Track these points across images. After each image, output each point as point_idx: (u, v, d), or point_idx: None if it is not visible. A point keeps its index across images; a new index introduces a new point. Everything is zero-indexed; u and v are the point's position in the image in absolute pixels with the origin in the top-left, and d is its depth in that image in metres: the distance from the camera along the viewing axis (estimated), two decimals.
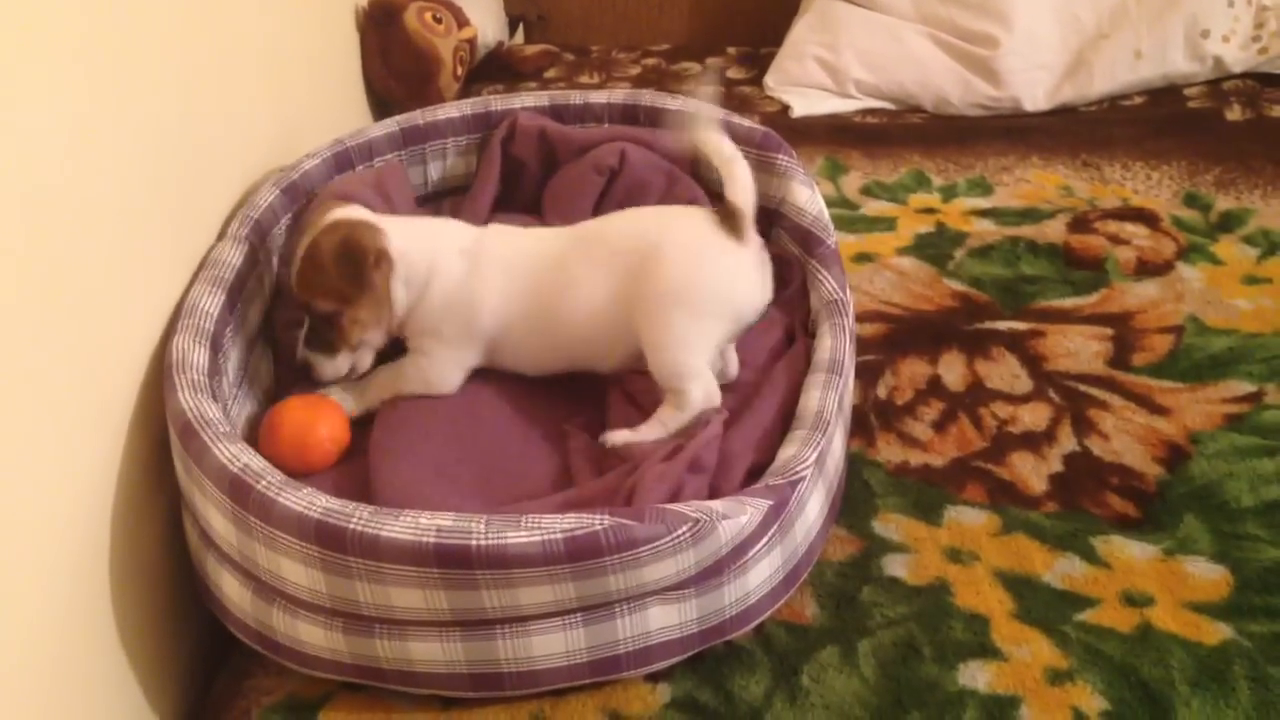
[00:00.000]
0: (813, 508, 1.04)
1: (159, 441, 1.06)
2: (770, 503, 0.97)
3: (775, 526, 0.99)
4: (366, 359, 1.20)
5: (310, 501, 0.91)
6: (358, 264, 1.12)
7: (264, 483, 0.93)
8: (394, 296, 1.17)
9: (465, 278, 1.19)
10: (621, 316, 1.17)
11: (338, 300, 1.14)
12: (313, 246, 1.14)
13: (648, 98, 1.49)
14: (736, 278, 1.17)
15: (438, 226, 1.25)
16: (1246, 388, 1.30)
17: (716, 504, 0.95)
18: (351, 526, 0.89)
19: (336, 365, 1.17)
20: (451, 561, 0.88)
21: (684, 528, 0.91)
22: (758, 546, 0.97)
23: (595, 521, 0.90)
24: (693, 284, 1.15)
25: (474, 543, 0.88)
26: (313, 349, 1.17)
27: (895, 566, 1.10)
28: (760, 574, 0.99)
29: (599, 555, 0.90)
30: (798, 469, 1.02)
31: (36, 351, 0.88)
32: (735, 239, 1.17)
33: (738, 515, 0.94)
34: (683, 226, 1.19)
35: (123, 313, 1.03)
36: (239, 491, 0.93)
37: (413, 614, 0.92)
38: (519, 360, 1.22)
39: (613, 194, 1.44)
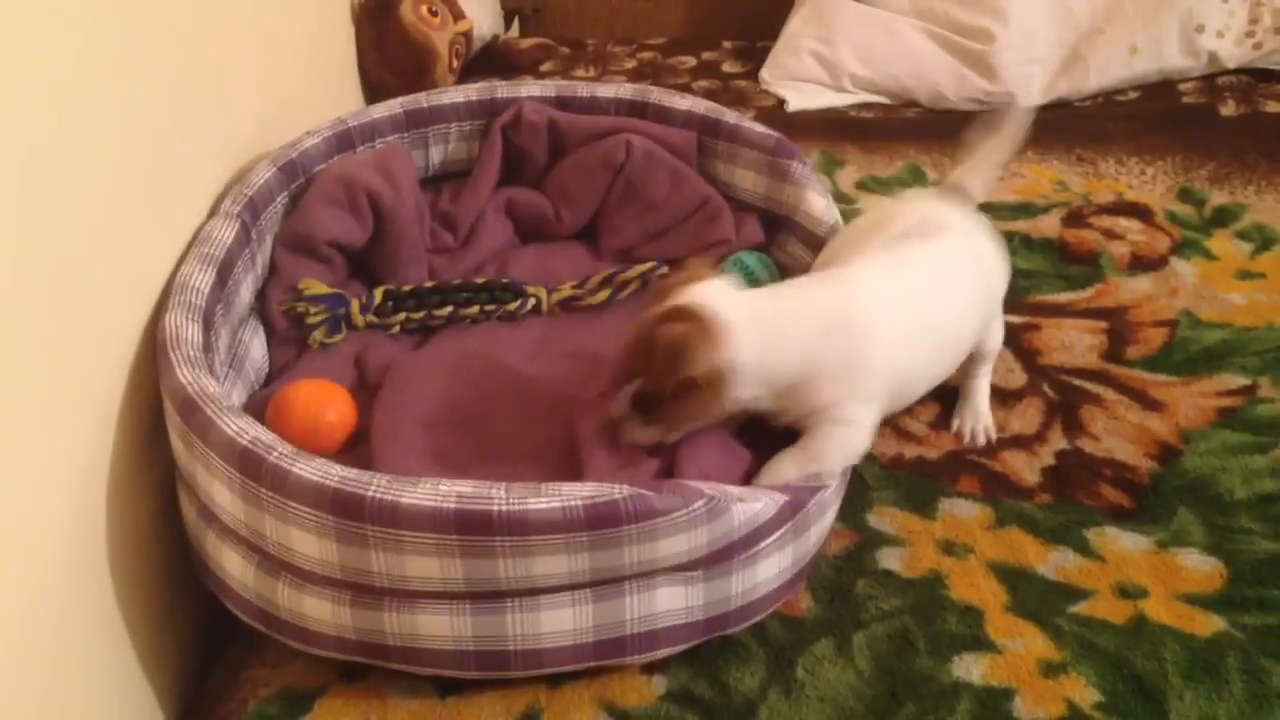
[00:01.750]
0: (830, 514, 1.06)
1: (149, 421, 1.06)
2: (787, 499, 0.98)
3: (790, 525, 0.99)
4: (680, 435, 1.10)
5: (326, 471, 0.91)
6: (686, 375, 1.02)
7: (276, 454, 0.93)
8: (734, 397, 1.06)
9: (849, 349, 1.08)
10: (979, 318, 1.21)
11: (663, 391, 1.05)
12: (647, 331, 1.04)
13: (655, 94, 1.50)
14: None
15: (792, 315, 1.09)
16: (1240, 381, 1.31)
17: (734, 488, 0.96)
18: (370, 494, 0.89)
19: (647, 433, 1.09)
20: (472, 527, 0.88)
21: (700, 502, 0.92)
22: (770, 540, 0.98)
23: (615, 491, 0.91)
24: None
25: (495, 508, 0.88)
26: (634, 409, 1.08)
27: (890, 559, 1.10)
28: (769, 569, 0.99)
29: (618, 524, 0.90)
30: (824, 479, 1.03)
31: (25, 329, 0.87)
32: None
33: (752, 501, 0.95)
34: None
35: (112, 289, 1.03)
36: (250, 463, 0.92)
37: (426, 584, 0.92)
38: (910, 393, 1.20)
39: (615, 187, 1.44)
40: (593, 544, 0.91)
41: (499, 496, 0.89)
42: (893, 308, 1.11)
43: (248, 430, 0.95)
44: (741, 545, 0.96)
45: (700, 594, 0.97)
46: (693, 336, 1.02)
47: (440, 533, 0.89)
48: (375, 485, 0.90)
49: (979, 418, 1.25)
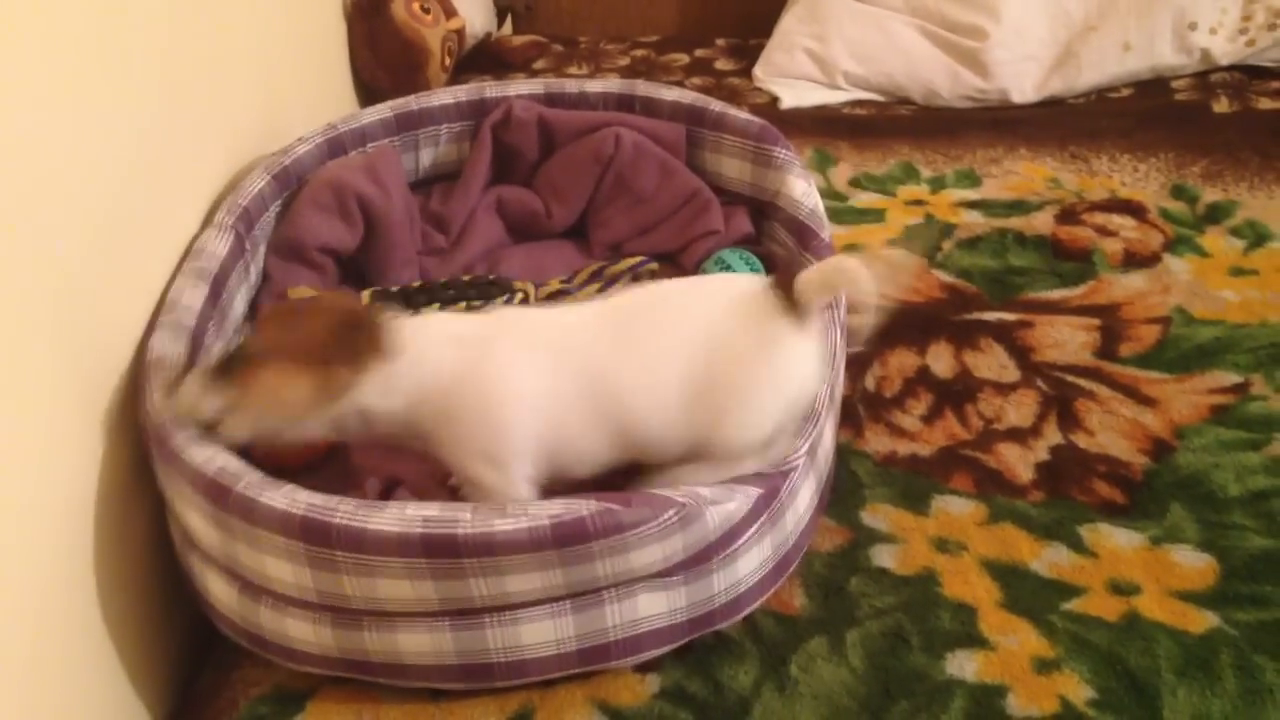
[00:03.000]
0: (804, 498, 1.04)
1: (141, 440, 1.06)
2: (760, 491, 0.97)
3: (765, 515, 0.98)
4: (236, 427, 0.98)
5: (292, 498, 0.91)
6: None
7: (243, 482, 0.92)
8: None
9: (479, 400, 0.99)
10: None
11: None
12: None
13: (642, 87, 1.50)
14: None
15: (439, 328, 1.02)
16: (1233, 378, 1.31)
17: (705, 490, 0.94)
18: (336, 521, 0.89)
19: (210, 403, 0.97)
20: (439, 551, 0.88)
21: (670, 512, 0.91)
22: (748, 534, 0.97)
23: (581, 507, 0.90)
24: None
25: (460, 531, 0.88)
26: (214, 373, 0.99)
27: (883, 557, 1.10)
28: (750, 563, 0.98)
29: (586, 540, 0.89)
30: (790, 459, 1.01)
31: (17, 343, 0.87)
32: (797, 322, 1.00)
33: (726, 501, 0.94)
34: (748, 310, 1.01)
35: (105, 303, 1.03)
36: (217, 493, 0.92)
37: (401, 605, 0.91)
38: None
39: (604, 181, 1.44)
40: (563, 560, 0.90)
41: (464, 519, 0.89)
42: (545, 358, 0.98)
43: (214, 459, 0.94)
44: (719, 545, 0.96)
45: (682, 596, 0.96)
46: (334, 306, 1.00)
47: (408, 556, 0.89)
48: (341, 512, 0.89)
49: None
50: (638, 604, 0.95)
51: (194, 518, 0.96)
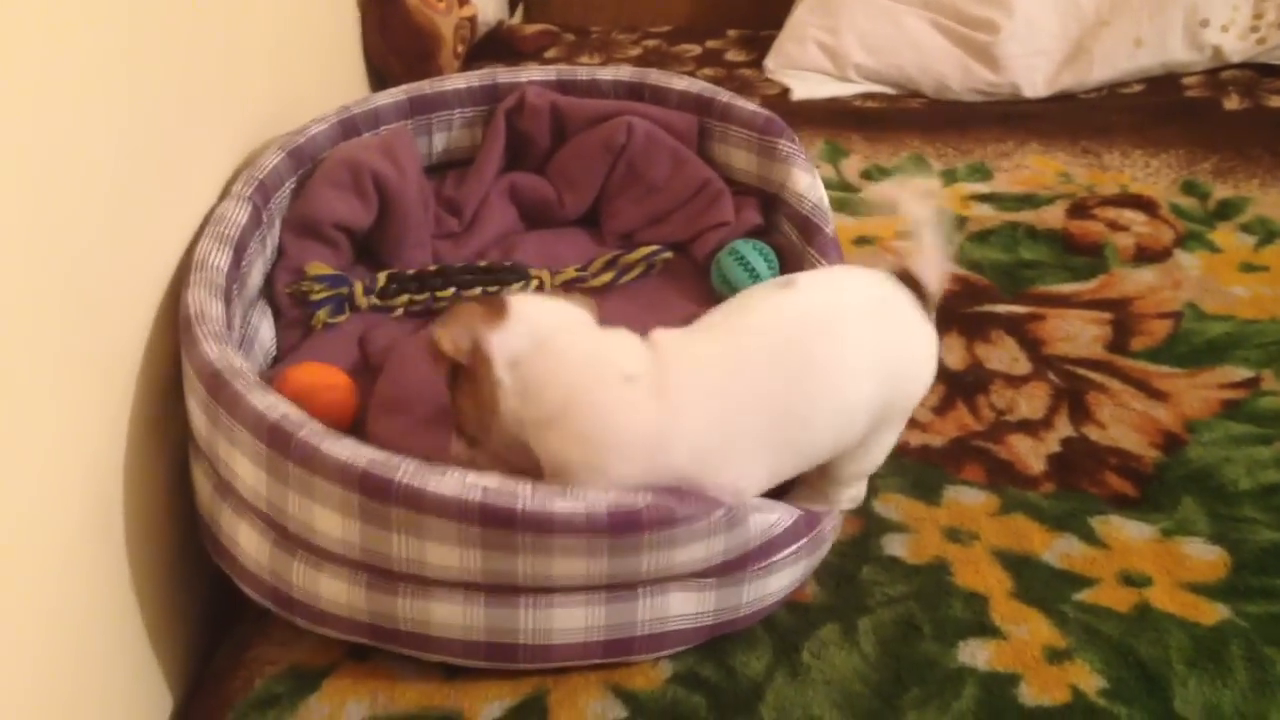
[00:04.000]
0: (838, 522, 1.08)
1: (162, 400, 1.06)
2: (801, 514, 0.99)
3: (806, 540, 1.00)
4: (490, 456, 0.99)
5: (355, 451, 0.91)
6: (454, 350, 0.95)
7: (306, 430, 0.92)
8: (505, 403, 0.95)
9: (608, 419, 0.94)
10: None
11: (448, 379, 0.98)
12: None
13: (654, 77, 1.50)
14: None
15: (577, 342, 0.97)
16: (1243, 373, 1.31)
17: (752, 500, 0.96)
18: (398, 478, 0.89)
19: (460, 447, 1.00)
20: (496, 521, 0.88)
21: (719, 512, 0.92)
22: (785, 553, 0.99)
23: (638, 499, 0.91)
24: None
25: (520, 506, 0.89)
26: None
27: (895, 546, 1.10)
28: (781, 581, 1.00)
29: (638, 530, 0.90)
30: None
31: (37, 304, 0.87)
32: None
33: (769, 512, 0.96)
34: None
35: (125, 268, 1.03)
36: (279, 439, 0.92)
37: (444, 572, 0.92)
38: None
39: (616, 170, 1.44)
40: (612, 549, 0.91)
41: (524, 494, 0.89)
42: (692, 379, 0.94)
43: (277, 406, 0.95)
44: (757, 555, 0.97)
45: (712, 600, 0.98)
46: (468, 309, 0.95)
47: (464, 522, 0.89)
48: (404, 470, 0.90)
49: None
50: (669, 602, 0.96)
51: (244, 465, 0.96)
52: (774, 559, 0.98)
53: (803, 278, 1.01)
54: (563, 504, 0.89)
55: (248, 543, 0.99)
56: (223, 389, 0.97)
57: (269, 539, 0.98)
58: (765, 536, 0.96)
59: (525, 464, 0.96)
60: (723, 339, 0.96)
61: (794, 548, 0.99)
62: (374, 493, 0.89)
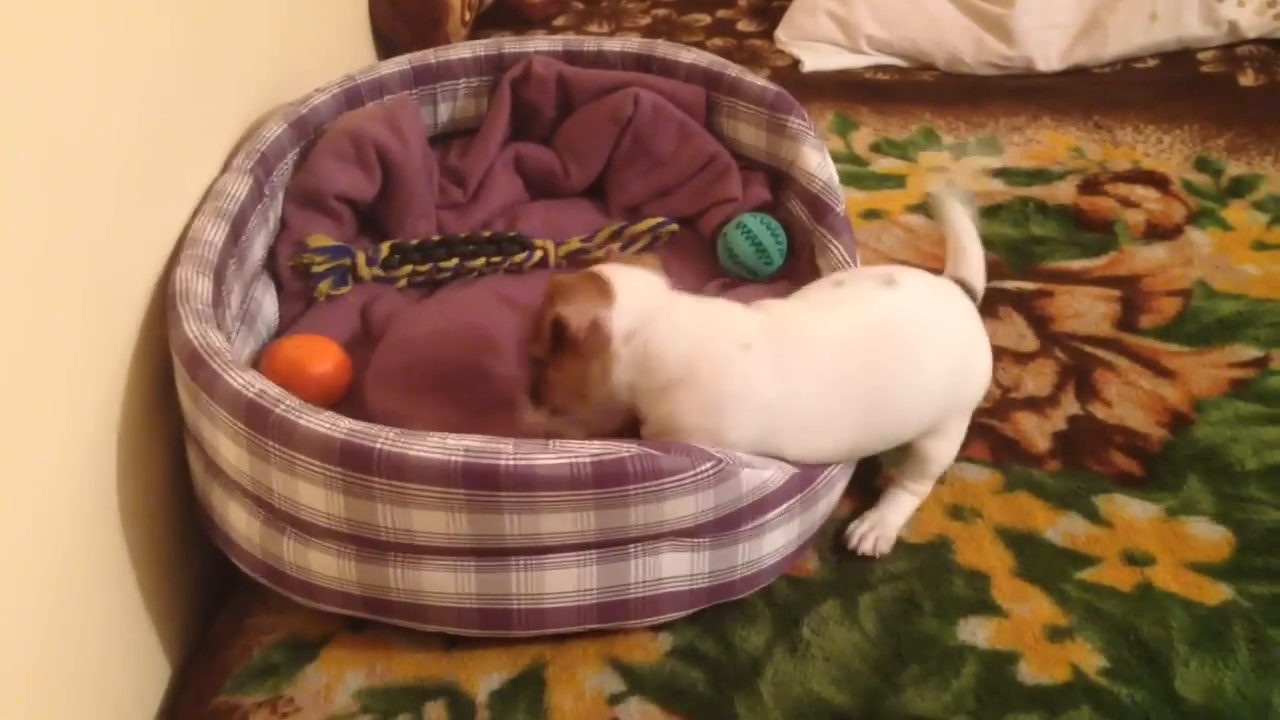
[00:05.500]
0: (839, 486, 1.06)
1: (161, 374, 1.05)
2: (797, 470, 0.98)
3: (799, 497, 0.99)
4: (576, 427, 1.02)
5: (333, 423, 0.91)
6: (563, 324, 0.97)
7: (283, 406, 0.92)
8: (614, 376, 0.99)
9: (724, 380, 0.99)
10: None
11: (545, 350, 1.00)
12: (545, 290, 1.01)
13: (661, 48, 1.48)
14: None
15: (689, 311, 1.02)
16: (1252, 353, 1.30)
17: (743, 455, 0.95)
18: (378, 446, 0.89)
19: (539, 418, 1.03)
20: (479, 482, 0.88)
21: (708, 464, 0.92)
22: (778, 511, 0.98)
23: (622, 449, 0.90)
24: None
25: (502, 463, 0.88)
26: (530, 389, 1.03)
27: None
28: (775, 540, 0.99)
29: (624, 483, 0.90)
30: None
31: (38, 280, 0.87)
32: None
33: (762, 468, 0.95)
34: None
35: (125, 243, 1.02)
36: (256, 416, 0.92)
37: (432, 539, 0.91)
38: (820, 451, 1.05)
39: (622, 142, 1.43)
40: (598, 502, 0.90)
41: (506, 451, 0.89)
42: (805, 353, 0.99)
43: (254, 383, 0.94)
44: (749, 513, 0.96)
45: (706, 561, 0.97)
46: (578, 286, 0.99)
47: (447, 486, 0.89)
48: (383, 438, 0.89)
49: (880, 527, 1.08)
50: (661, 562, 0.96)
51: (225, 443, 0.95)
52: (767, 517, 0.97)
53: (903, 277, 1.06)
54: (546, 459, 0.89)
55: (238, 520, 0.99)
56: (200, 368, 0.96)
57: (258, 516, 0.98)
58: (757, 494, 0.95)
59: (616, 427, 1.02)
60: (831, 320, 1.02)
61: (786, 505, 0.98)
62: (354, 463, 0.89)
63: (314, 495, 0.91)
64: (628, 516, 0.91)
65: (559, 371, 0.99)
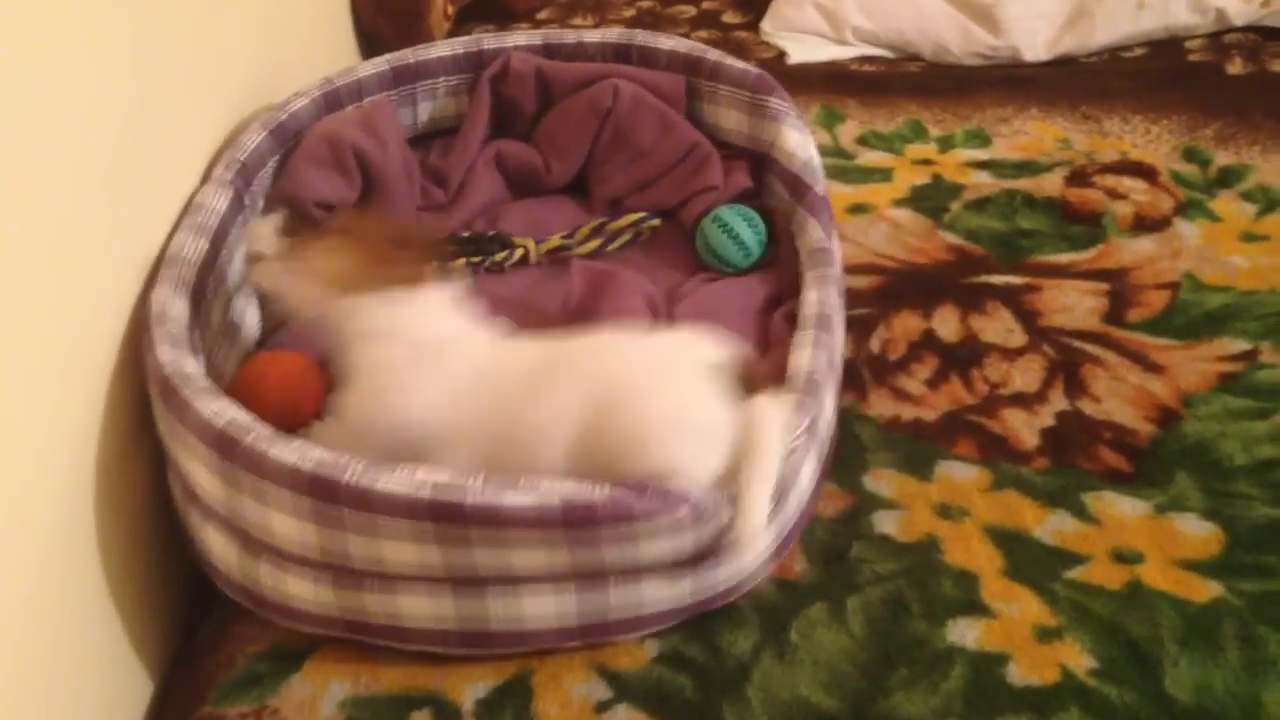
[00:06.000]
0: (805, 475, 1.03)
1: (142, 391, 1.04)
2: None
3: (774, 504, 0.97)
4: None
5: (302, 454, 0.90)
6: None
7: (253, 435, 0.91)
8: None
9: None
10: None
11: None
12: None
13: (640, 37, 1.47)
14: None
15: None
16: (1241, 346, 1.29)
17: (719, 494, 0.93)
18: (345, 479, 0.88)
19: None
20: (445, 517, 0.87)
21: (684, 509, 0.90)
22: None
23: (593, 491, 0.89)
24: None
25: (469, 501, 0.87)
26: None
27: (885, 523, 1.09)
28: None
29: (594, 525, 0.89)
30: (790, 440, 1.00)
31: (13, 298, 0.85)
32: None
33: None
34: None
35: (104, 261, 1.01)
36: (227, 445, 0.91)
37: (404, 568, 0.91)
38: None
39: (602, 135, 1.42)
40: (570, 542, 0.90)
41: (474, 488, 0.88)
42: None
43: (225, 412, 0.93)
44: (728, 542, 0.94)
45: (688, 585, 0.96)
46: None
47: (415, 519, 0.88)
48: (351, 470, 0.89)
49: None
50: (642, 590, 0.95)
51: (199, 471, 0.95)
52: None
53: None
54: (512, 497, 0.88)
55: (215, 545, 0.99)
56: (172, 395, 0.95)
57: (234, 542, 0.97)
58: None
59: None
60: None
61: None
62: (323, 495, 0.88)
63: (286, 524, 0.91)
64: (601, 555, 0.91)
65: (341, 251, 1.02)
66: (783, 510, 1.00)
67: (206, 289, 1.10)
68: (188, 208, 1.15)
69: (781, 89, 1.36)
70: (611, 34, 1.48)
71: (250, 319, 1.22)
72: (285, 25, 1.52)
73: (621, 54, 1.47)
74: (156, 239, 1.11)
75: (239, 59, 1.34)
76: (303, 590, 0.94)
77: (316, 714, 0.94)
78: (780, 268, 1.28)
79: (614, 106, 1.40)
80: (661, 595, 0.96)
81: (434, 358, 1.00)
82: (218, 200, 1.15)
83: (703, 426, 0.95)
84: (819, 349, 1.08)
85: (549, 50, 1.47)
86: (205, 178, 1.20)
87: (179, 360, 0.97)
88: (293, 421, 1.09)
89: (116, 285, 1.04)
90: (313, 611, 0.95)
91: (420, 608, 0.93)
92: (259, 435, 0.91)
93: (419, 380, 1.00)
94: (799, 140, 1.31)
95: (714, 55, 1.42)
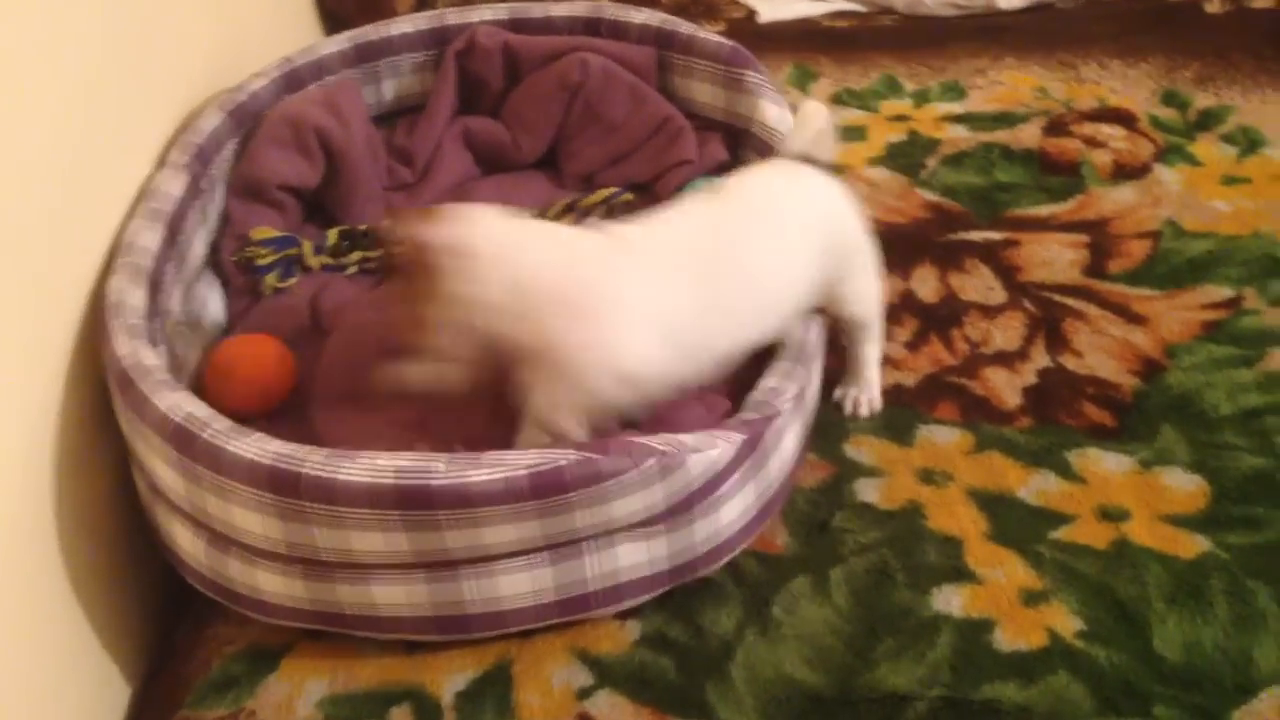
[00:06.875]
0: (789, 442, 1.01)
1: (104, 383, 1.02)
2: (744, 437, 0.94)
3: (749, 461, 0.96)
4: (451, 374, 1.02)
5: (261, 447, 0.88)
6: (420, 245, 0.96)
7: (210, 430, 0.89)
8: (479, 300, 0.95)
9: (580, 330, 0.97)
10: None
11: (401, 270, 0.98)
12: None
13: (610, 10, 1.44)
14: None
15: (550, 234, 1.03)
16: (1225, 293, 1.28)
17: (686, 437, 0.91)
18: (306, 471, 0.86)
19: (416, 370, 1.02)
20: (412, 503, 0.86)
21: (650, 461, 0.88)
22: (730, 482, 0.94)
23: (559, 456, 0.87)
24: None
25: (434, 482, 0.85)
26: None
27: (867, 491, 1.08)
28: (732, 511, 0.96)
29: (564, 491, 0.87)
30: (776, 403, 0.98)
31: None
32: None
33: (708, 449, 0.91)
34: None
35: (57, 247, 0.99)
36: (184, 440, 0.89)
37: (374, 557, 0.89)
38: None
39: (573, 109, 1.39)
40: (540, 511, 0.88)
41: (438, 470, 0.86)
42: (658, 279, 0.97)
43: (182, 405, 0.91)
44: (701, 493, 0.93)
45: (664, 545, 0.94)
46: (428, 214, 0.96)
47: (380, 508, 0.86)
48: (311, 462, 0.87)
49: (864, 388, 1.15)
50: (617, 554, 0.93)
51: (160, 466, 0.93)
52: (719, 491, 0.94)
53: (730, 181, 1.07)
54: (479, 474, 0.86)
55: (184, 540, 0.97)
56: (130, 389, 0.93)
57: (202, 538, 0.95)
58: (708, 474, 0.92)
59: (494, 368, 0.99)
60: (665, 229, 1.02)
61: (737, 474, 0.95)
62: (284, 489, 0.86)
63: (249, 519, 0.89)
64: (573, 520, 0.89)
65: (431, 301, 0.94)
66: (763, 475, 0.98)
67: (165, 276, 1.08)
68: (143, 193, 1.12)
69: (756, 62, 1.34)
70: (580, 7, 1.45)
71: (214, 305, 1.20)
72: (243, 2, 1.49)
73: (591, 27, 1.44)
74: (112, 226, 1.09)
75: (195, 38, 1.31)
76: (274, 584, 0.92)
77: (294, 714, 0.92)
78: None
79: (584, 80, 1.37)
80: (638, 560, 0.94)
81: (609, 289, 0.96)
82: (173, 185, 1.13)
83: None
84: (812, 320, 1.07)
85: (516, 24, 1.44)
86: (160, 162, 1.18)
87: (137, 352, 0.95)
88: (265, 405, 1.09)
89: (72, 274, 1.01)
90: (285, 605, 0.94)
91: (394, 596, 0.91)
92: (216, 430, 0.89)
93: (613, 316, 0.95)
94: (778, 114, 1.28)
95: (687, 28, 1.39)
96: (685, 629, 0.97)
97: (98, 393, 1.01)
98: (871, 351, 1.15)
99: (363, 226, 1.28)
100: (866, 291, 1.11)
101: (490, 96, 1.43)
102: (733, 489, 0.95)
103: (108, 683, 1.00)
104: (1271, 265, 1.31)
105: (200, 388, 1.06)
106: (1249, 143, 1.52)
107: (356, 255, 1.26)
